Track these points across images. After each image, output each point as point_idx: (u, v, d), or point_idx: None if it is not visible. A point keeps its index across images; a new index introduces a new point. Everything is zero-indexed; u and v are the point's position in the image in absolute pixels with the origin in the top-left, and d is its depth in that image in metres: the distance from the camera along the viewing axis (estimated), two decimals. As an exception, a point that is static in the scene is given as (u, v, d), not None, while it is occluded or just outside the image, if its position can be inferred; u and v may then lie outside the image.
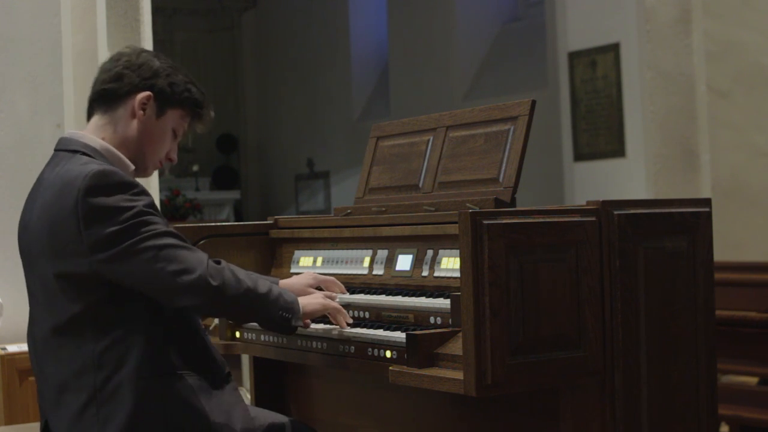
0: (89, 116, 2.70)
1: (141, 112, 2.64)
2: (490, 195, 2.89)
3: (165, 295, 2.50)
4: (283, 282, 2.93)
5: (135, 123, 2.65)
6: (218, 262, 2.58)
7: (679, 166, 6.27)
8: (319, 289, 2.94)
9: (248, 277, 2.59)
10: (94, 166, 2.50)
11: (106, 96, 2.66)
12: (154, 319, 2.53)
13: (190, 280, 2.47)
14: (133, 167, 2.67)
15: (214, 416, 2.56)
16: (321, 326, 2.85)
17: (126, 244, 2.45)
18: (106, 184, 2.47)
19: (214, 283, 2.49)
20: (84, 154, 2.59)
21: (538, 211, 2.44)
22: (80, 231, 2.45)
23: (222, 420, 2.57)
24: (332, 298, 2.90)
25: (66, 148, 2.63)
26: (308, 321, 2.74)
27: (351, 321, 2.83)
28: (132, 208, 2.47)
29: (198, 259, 2.51)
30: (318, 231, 3.31)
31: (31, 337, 2.63)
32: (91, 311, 2.49)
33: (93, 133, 2.66)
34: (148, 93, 2.64)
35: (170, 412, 2.51)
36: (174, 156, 2.75)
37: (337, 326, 2.80)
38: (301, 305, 2.68)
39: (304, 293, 2.89)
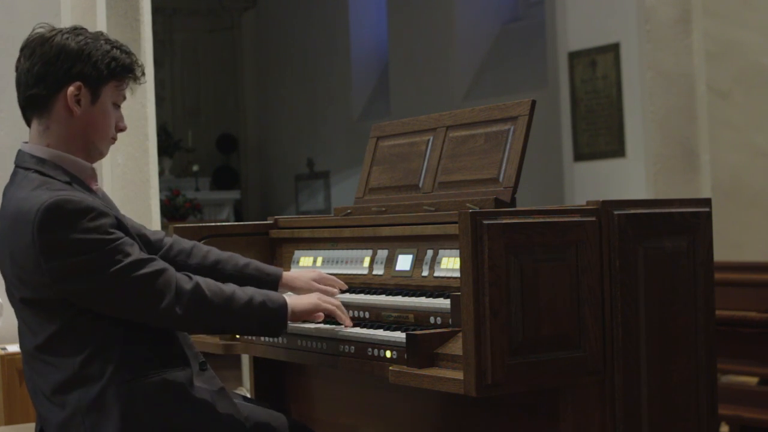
0: (27, 122, 2.61)
1: (76, 106, 2.54)
2: (490, 195, 2.89)
3: (135, 320, 2.51)
4: (287, 275, 2.97)
5: (74, 119, 2.55)
6: (189, 278, 2.53)
7: (679, 166, 6.27)
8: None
9: (220, 295, 2.55)
10: (44, 196, 2.42)
11: (35, 102, 2.55)
12: (128, 323, 2.51)
13: (157, 313, 2.48)
14: (90, 165, 2.61)
15: (202, 409, 2.57)
16: (321, 326, 2.85)
17: (91, 280, 2.42)
18: (60, 216, 2.40)
19: (180, 312, 2.48)
20: (36, 171, 2.51)
21: (538, 211, 2.44)
22: (40, 264, 2.41)
23: (210, 411, 2.57)
24: (332, 294, 2.92)
25: (21, 165, 2.57)
26: (319, 315, 2.75)
27: (350, 323, 2.81)
28: (90, 240, 2.41)
29: (166, 284, 2.48)
30: (318, 231, 3.31)
31: (21, 350, 2.64)
32: (68, 327, 2.48)
33: (38, 141, 2.56)
34: (76, 84, 2.53)
35: (158, 412, 2.51)
36: (122, 124, 2.63)
37: (337, 326, 2.80)
38: (290, 306, 2.66)
39: (308, 287, 2.94)
